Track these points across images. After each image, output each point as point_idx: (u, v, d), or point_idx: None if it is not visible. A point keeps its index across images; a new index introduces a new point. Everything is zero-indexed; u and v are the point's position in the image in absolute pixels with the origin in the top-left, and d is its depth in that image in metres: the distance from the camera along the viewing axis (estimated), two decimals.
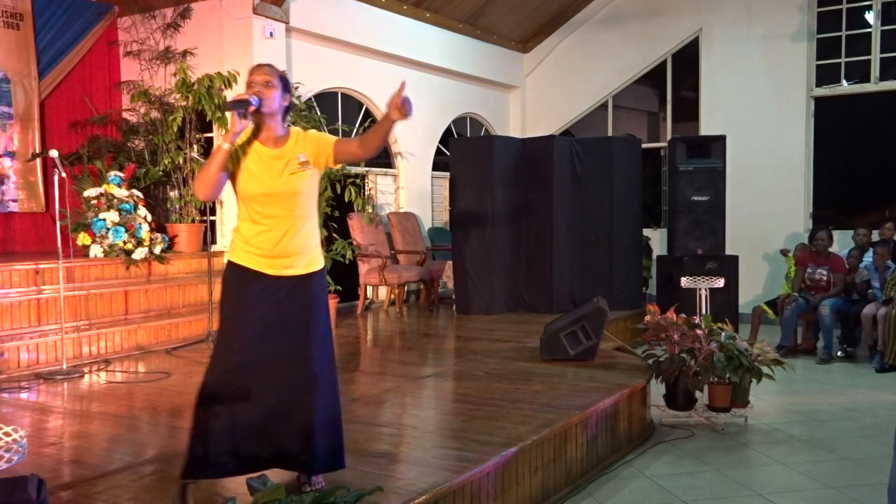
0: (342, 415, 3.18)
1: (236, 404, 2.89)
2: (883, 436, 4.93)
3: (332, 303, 7.29)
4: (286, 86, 3.00)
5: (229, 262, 3.03)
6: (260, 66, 3.01)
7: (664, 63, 10.55)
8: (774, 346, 6.26)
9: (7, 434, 2.25)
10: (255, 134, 2.96)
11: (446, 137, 10.04)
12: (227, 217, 7.55)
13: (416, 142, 9.72)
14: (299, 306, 3.00)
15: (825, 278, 7.79)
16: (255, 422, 2.92)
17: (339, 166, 3.36)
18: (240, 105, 2.82)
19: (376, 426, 4.08)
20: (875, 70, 9.34)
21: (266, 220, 2.95)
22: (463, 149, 8.47)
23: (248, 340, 2.94)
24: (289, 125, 3.07)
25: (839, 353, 7.53)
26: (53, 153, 5.61)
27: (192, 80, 7.24)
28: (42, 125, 7.40)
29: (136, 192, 6.88)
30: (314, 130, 3.13)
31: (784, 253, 8.85)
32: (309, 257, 3.03)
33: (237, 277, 2.99)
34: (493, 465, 3.41)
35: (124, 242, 6.52)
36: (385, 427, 4.09)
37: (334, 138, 3.04)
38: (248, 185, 2.94)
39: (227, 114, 2.87)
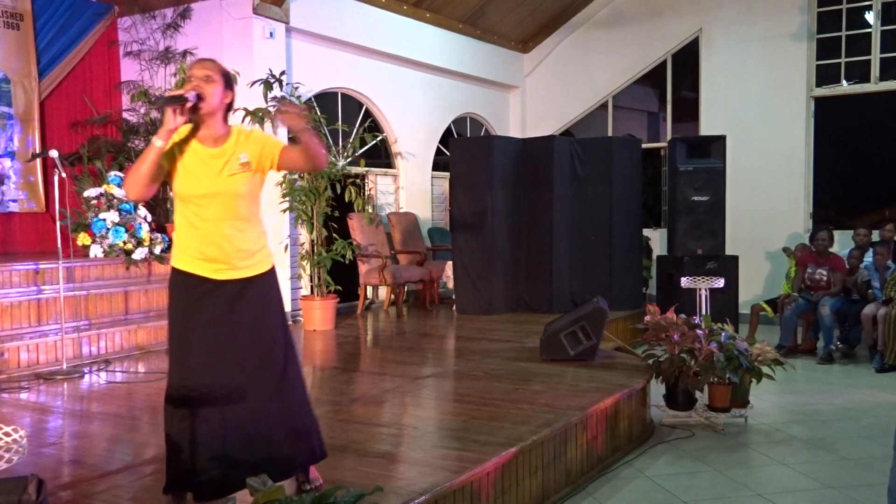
0: (313, 407, 3.10)
1: (202, 416, 2.77)
2: (883, 436, 4.93)
3: (334, 302, 7.29)
4: (228, 82, 2.84)
5: (173, 269, 2.87)
6: (202, 60, 2.86)
7: (664, 63, 10.55)
8: (774, 346, 6.26)
9: (7, 434, 2.25)
10: (194, 132, 2.82)
11: (446, 137, 10.04)
12: None
13: (416, 142, 9.72)
14: (251, 310, 2.85)
15: (825, 278, 7.79)
16: (225, 434, 2.79)
17: (287, 172, 3.16)
18: (174, 101, 2.66)
19: (376, 426, 4.08)
20: (875, 70, 9.34)
21: (204, 222, 2.80)
22: (463, 149, 8.46)
23: (203, 349, 2.80)
24: (232, 124, 2.91)
25: (838, 352, 7.51)
26: (53, 153, 5.61)
27: None
28: (42, 125, 7.40)
29: None
30: (259, 130, 2.97)
31: (787, 252, 8.85)
32: (253, 260, 2.88)
33: (183, 284, 2.84)
34: (493, 465, 3.41)
35: (124, 242, 6.52)
36: (385, 427, 4.08)
37: (282, 144, 2.90)
38: (184, 185, 2.80)
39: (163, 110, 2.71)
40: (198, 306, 2.82)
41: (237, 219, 2.83)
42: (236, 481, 2.68)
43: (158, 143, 2.68)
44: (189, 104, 2.69)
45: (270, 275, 2.96)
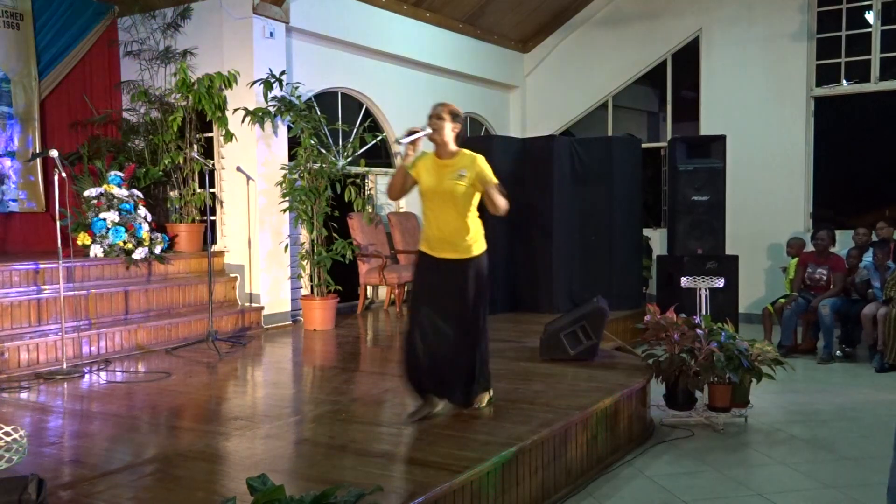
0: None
1: None
2: (883, 436, 4.93)
3: (334, 302, 7.29)
4: (454, 119, 4.09)
5: (418, 250, 4.25)
6: (438, 104, 4.15)
7: (664, 63, 10.55)
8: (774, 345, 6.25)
9: (7, 434, 2.25)
10: (436, 150, 4.11)
11: None
12: (227, 217, 7.55)
13: None
14: (454, 282, 4.04)
15: (825, 278, 7.78)
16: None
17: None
18: (412, 139, 3.96)
19: (376, 426, 4.08)
20: (875, 70, 9.34)
21: (431, 212, 4.11)
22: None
23: (426, 304, 4.06)
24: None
25: (839, 353, 7.52)
26: (53, 153, 5.61)
27: (192, 80, 7.25)
28: (42, 125, 7.39)
29: (136, 192, 6.88)
30: (484, 161, 4.06)
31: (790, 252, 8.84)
32: (461, 248, 4.06)
33: (419, 260, 4.22)
34: (493, 465, 3.41)
35: (124, 242, 6.52)
36: (385, 427, 4.08)
37: (493, 182, 4.03)
38: (423, 183, 4.09)
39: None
40: (423, 276, 4.16)
41: (452, 213, 4.03)
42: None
43: (403, 165, 4.06)
44: (420, 139, 3.97)
45: (473, 261, 4.08)
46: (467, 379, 4.13)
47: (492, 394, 4.38)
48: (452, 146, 4.08)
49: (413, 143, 3.99)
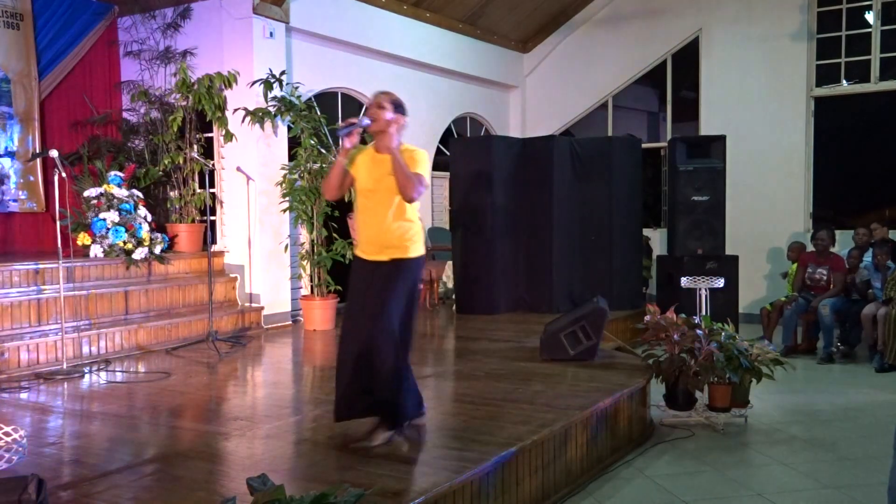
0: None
1: None
2: (883, 436, 4.93)
3: (334, 302, 7.28)
4: (397, 109, 3.69)
5: (354, 254, 3.91)
6: (379, 92, 3.73)
7: (664, 63, 10.55)
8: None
9: (7, 434, 2.25)
10: (376, 143, 3.71)
11: (446, 137, 10.03)
12: (227, 217, 7.55)
13: (416, 142, 9.65)
14: (377, 285, 3.63)
15: (825, 278, 7.79)
16: None
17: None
18: (348, 129, 3.56)
19: None
20: (875, 70, 9.34)
21: (365, 212, 3.72)
22: (463, 149, 8.46)
23: (356, 320, 3.67)
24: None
25: (838, 353, 7.51)
26: (53, 153, 5.61)
27: (192, 80, 7.25)
28: (42, 125, 7.39)
29: (136, 192, 6.88)
30: (421, 152, 3.76)
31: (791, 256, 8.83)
32: (395, 249, 3.69)
33: (355, 265, 3.85)
34: (493, 465, 3.41)
35: (124, 242, 6.52)
36: None
37: (414, 169, 3.63)
38: (359, 180, 3.72)
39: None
40: (356, 289, 3.73)
41: (390, 214, 3.64)
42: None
43: (340, 160, 3.68)
44: (359, 129, 3.59)
45: (406, 262, 3.72)
46: (394, 388, 3.63)
47: (395, 437, 3.69)
48: (394, 140, 3.67)
49: (350, 134, 3.58)
